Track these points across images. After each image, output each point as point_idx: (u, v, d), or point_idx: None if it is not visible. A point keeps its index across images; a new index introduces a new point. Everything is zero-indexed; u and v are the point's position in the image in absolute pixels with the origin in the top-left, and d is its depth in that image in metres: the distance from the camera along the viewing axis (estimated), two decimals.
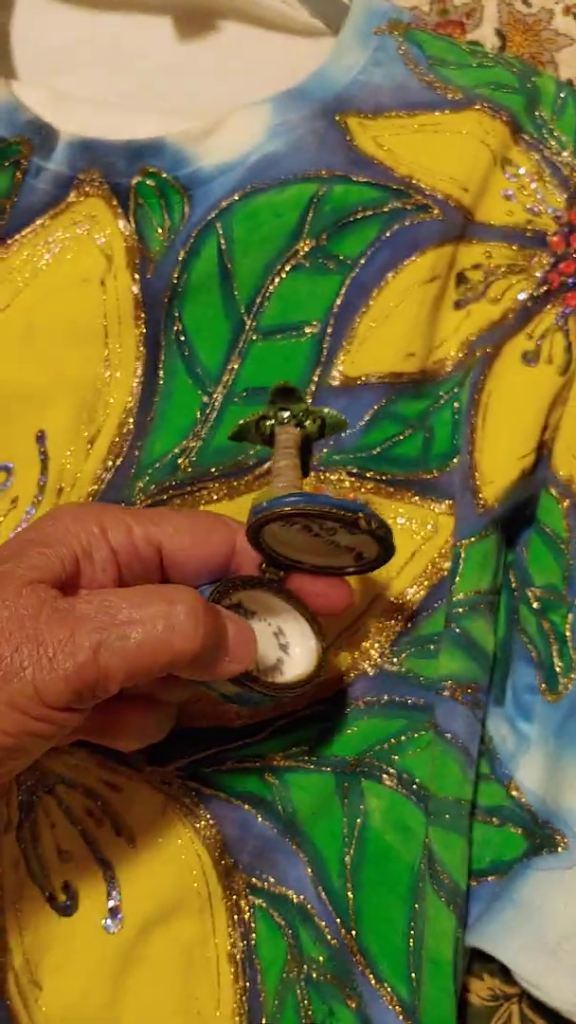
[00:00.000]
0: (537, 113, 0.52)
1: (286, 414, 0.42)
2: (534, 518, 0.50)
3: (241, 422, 0.42)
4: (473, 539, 0.48)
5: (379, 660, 0.49)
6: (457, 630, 0.47)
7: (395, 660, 0.49)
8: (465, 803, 0.45)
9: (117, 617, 0.35)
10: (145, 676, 0.36)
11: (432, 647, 0.48)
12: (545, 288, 0.51)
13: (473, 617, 0.47)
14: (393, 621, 0.49)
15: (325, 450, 0.49)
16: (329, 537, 0.41)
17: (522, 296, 0.51)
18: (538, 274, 0.51)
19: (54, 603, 0.35)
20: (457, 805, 0.45)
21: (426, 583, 0.49)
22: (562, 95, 0.53)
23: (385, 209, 0.50)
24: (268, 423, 0.42)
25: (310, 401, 0.49)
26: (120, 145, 0.50)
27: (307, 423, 0.42)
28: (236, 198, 0.50)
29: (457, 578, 0.48)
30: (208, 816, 0.47)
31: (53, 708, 0.34)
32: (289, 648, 0.44)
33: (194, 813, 0.47)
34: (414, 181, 0.50)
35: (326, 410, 0.42)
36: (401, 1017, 0.45)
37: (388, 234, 0.50)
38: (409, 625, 0.49)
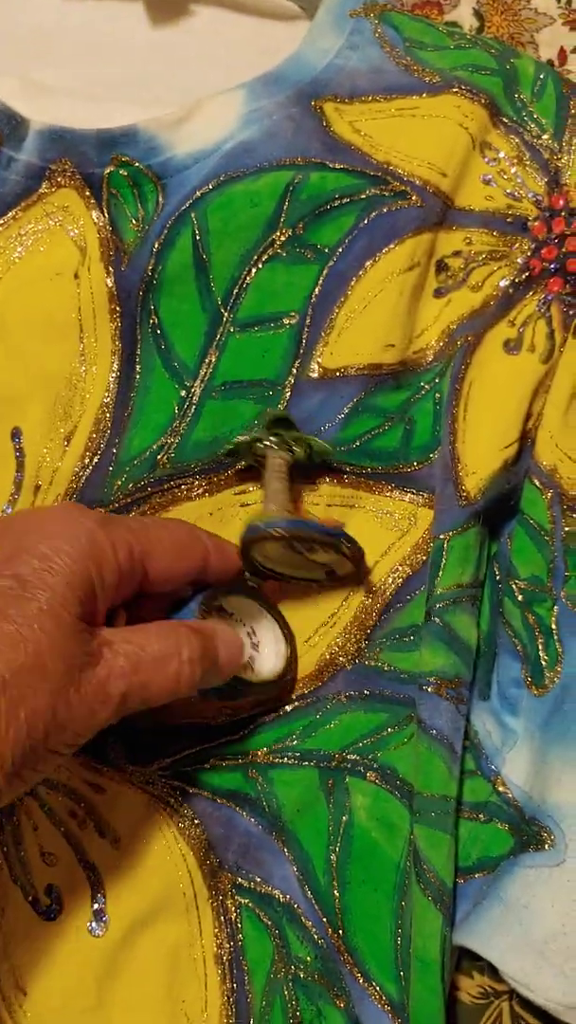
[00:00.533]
0: (516, 95, 0.51)
1: (276, 439, 0.47)
2: (518, 510, 0.49)
3: (237, 439, 0.47)
4: (455, 532, 0.47)
5: (356, 654, 0.48)
6: (440, 624, 0.46)
7: (371, 654, 0.48)
8: (450, 800, 0.45)
9: (139, 668, 0.38)
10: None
11: (408, 639, 0.48)
12: (527, 274, 0.50)
13: (455, 611, 0.47)
14: (368, 615, 0.49)
15: None
16: (308, 554, 0.45)
17: (503, 283, 0.50)
18: (519, 260, 0.50)
19: (87, 646, 0.37)
20: (443, 802, 0.45)
21: (401, 576, 0.49)
22: (541, 76, 0.52)
23: (362, 196, 0.49)
24: (261, 445, 0.47)
25: (288, 395, 0.49)
26: (91, 134, 0.49)
27: (297, 449, 0.47)
28: (210, 187, 0.49)
29: (440, 572, 0.47)
30: (192, 815, 0.47)
31: (78, 745, 0.37)
32: (260, 647, 0.47)
33: (178, 812, 0.47)
34: (392, 167, 0.49)
35: (314, 439, 0.47)
36: (390, 1016, 0.44)
37: (366, 222, 0.49)
38: (383, 618, 0.48)
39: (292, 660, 0.47)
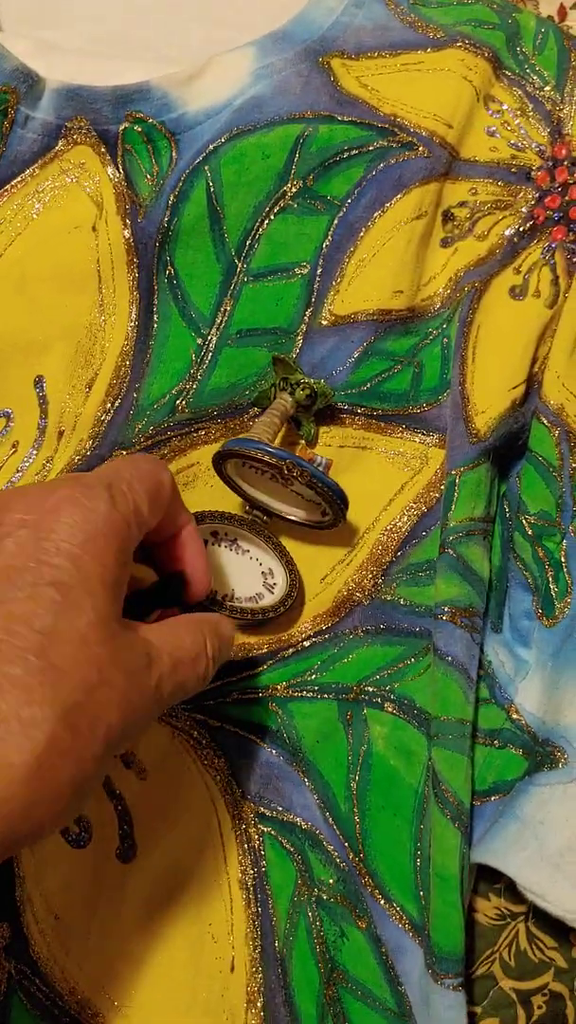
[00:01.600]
0: (518, 49, 0.53)
1: (282, 382, 0.49)
2: (526, 449, 0.50)
3: (260, 389, 0.50)
4: (466, 467, 0.49)
5: (372, 590, 0.50)
6: (453, 555, 0.48)
7: (388, 589, 0.50)
8: (467, 724, 0.46)
9: (178, 668, 0.38)
10: None
11: (423, 575, 0.49)
12: (531, 223, 0.52)
13: (468, 543, 0.48)
14: (384, 551, 0.50)
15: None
16: (298, 491, 0.47)
17: (508, 232, 0.52)
18: (524, 209, 0.52)
19: (137, 650, 0.37)
20: (459, 725, 0.46)
21: (416, 513, 0.50)
22: (543, 30, 0.53)
23: (370, 148, 0.51)
24: (272, 389, 0.50)
25: (301, 342, 0.51)
26: (106, 92, 0.50)
27: (298, 391, 0.49)
28: (223, 141, 0.50)
29: (452, 505, 0.48)
30: (214, 747, 0.48)
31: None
32: (275, 588, 0.49)
33: (201, 745, 0.48)
34: (398, 119, 0.51)
35: (317, 381, 0.49)
36: (411, 934, 0.46)
37: (374, 173, 0.51)
38: (399, 554, 0.50)
39: (287, 599, 0.48)
